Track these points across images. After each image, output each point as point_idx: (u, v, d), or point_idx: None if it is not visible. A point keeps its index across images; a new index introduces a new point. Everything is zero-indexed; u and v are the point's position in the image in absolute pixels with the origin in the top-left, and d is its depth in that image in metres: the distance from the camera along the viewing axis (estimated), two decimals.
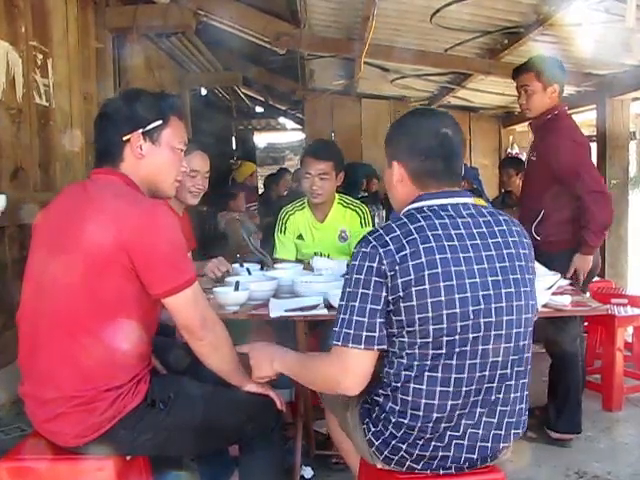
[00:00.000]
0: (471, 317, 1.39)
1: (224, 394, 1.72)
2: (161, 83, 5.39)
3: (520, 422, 1.51)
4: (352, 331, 1.38)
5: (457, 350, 1.40)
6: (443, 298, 1.37)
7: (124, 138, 1.62)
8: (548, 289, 2.02)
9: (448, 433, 1.44)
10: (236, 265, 2.54)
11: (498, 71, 4.38)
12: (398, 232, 1.41)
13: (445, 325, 1.38)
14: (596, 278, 4.23)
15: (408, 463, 1.47)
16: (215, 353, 1.62)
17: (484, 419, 1.45)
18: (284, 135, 12.45)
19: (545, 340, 2.85)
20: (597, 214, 2.64)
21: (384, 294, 1.38)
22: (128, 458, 1.60)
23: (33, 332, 1.54)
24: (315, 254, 2.90)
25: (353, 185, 4.70)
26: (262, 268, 2.58)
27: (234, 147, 10.10)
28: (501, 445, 1.49)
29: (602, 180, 2.76)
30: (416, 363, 1.41)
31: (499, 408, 1.46)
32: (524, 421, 1.53)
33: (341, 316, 1.41)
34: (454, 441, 1.44)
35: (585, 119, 5.68)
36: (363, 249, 1.41)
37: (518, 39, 3.74)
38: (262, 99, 8.62)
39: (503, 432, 1.47)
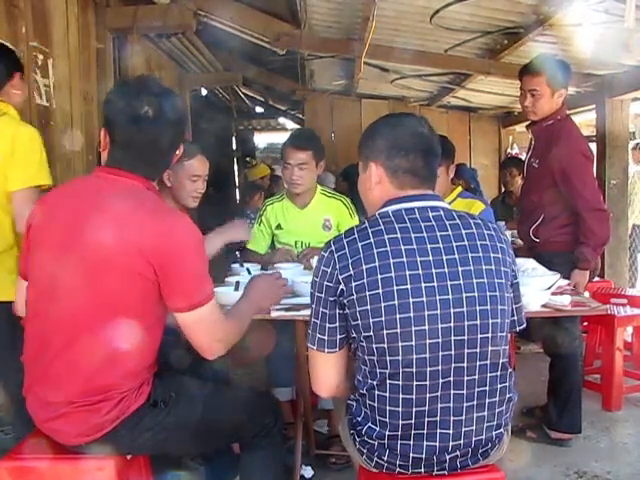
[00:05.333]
0: (426, 322, 1.37)
1: (224, 393, 1.73)
2: None
3: (494, 415, 1.46)
4: (317, 334, 1.46)
5: (415, 357, 1.37)
6: (396, 302, 1.36)
7: (178, 152, 1.60)
8: (547, 289, 2.02)
9: (424, 441, 1.42)
10: (236, 265, 2.55)
11: (498, 71, 4.38)
12: (356, 235, 1.43)
13: (398, 330, 1.36)
14: (596, 278, 4.25)
15: (397, 469, 1.47)
16: (224, 351, 1.63)
17: (453, 419, 1.42)
18: (284, 135, 12.41)
19: (545, 340, 2.85)
20: (598, 232, 2.62)
21: (336, 298, 1.42)
22: (129, 457, 1.60)
23: (42, 335, 1.52)
24: (295, 243, 2.88)
25: (356, 185, 4.70)
26: (262, 268, 2.59)
27: (234, 147, 10.11)
28: (482, 439, 1.46)
29: (601, 197, 2.73)
30: (378, 370, 1.41)
31: (467, 406, 1.42)
32: (500, 414, 1.48)
33: (312, 319, 1.48)
34: (431, 443, 1.42)
35: (585, 119, 5.68)
36: (323, 252, 1.45)
37: (518, 39, 3.74)
38: (262, 99, 8.62)
39: (474, 427, 1.44)
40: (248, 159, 9.37)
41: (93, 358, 1.48)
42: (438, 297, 1.38)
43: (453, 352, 1.39)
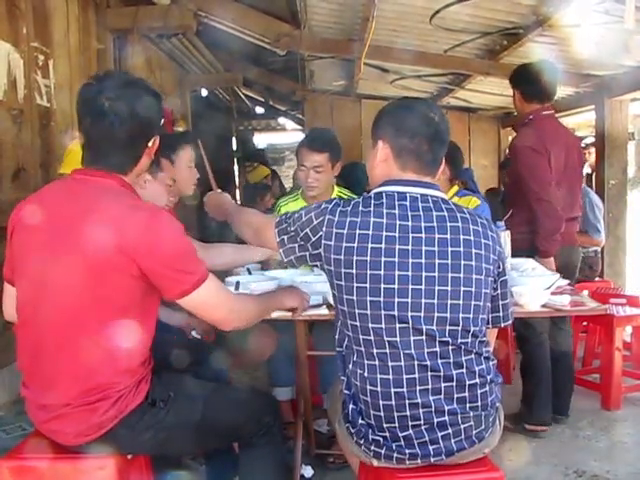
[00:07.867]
0: (396, 309, 1.41)
1: (223, 393, 1.73)
2: (162, 84, 5.40)
3: (476, 396, 1.47)
4: (284, 226, 1.58)
5: (387, 339, 1.42)
6: (368, 285, 1.41)
7: (149, 143, 1.55)
8: (547, 289, 2.03)
9: (410, 423, 1.45)
10: None
11: (497, 72, 4.39)
12: (350, 208, 1.48)
13: (369, 312, 1.42)
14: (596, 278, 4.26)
15: (395, 456, 1.48)
16: (244, 325, 1.67)
17: (434, 401, 1.44)
18: (284, 136, 12.46)
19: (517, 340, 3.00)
20: (542, 221, 2.72)
21: (312, 251, 1.51)
22: (129, 457, 1.60)
23: (35, 337, 1.52)
24: None
25: (355, 185, 4.71)
26: (262, 268, 2.59)
27: (234, 148, 10.12)
28: (470, 417, 1.47)
29: (551, 190, 2.76)
30: (354, 347, 1.47)
31: (445, 386, 1.45)
32: (484, 395, 1.49)
33: (288, 216, 1.59)
34: (415, 422, 1.44)
35: (584, 119, 5.69)
36: (325, 204, 1.51)
37: (517, 40, 3.75)
38: (262, 100, 8.64)
39: (457, 405, 1.45)
40: (248, 163, 9.44)
41: (86, 358, 1.47)
42: (410, 286, 1.41)
43: (424, 337, 1.42)
